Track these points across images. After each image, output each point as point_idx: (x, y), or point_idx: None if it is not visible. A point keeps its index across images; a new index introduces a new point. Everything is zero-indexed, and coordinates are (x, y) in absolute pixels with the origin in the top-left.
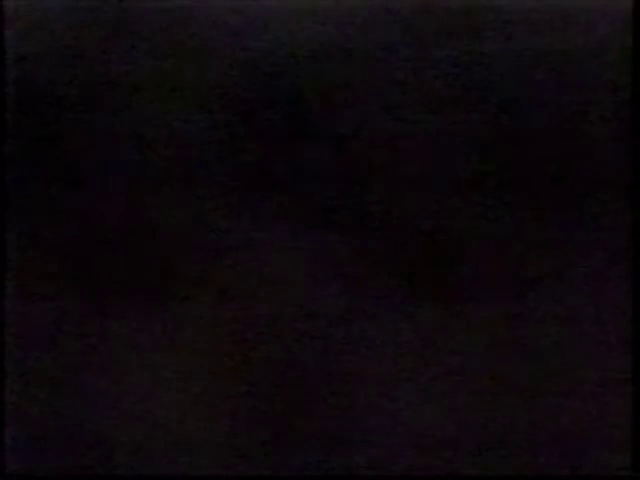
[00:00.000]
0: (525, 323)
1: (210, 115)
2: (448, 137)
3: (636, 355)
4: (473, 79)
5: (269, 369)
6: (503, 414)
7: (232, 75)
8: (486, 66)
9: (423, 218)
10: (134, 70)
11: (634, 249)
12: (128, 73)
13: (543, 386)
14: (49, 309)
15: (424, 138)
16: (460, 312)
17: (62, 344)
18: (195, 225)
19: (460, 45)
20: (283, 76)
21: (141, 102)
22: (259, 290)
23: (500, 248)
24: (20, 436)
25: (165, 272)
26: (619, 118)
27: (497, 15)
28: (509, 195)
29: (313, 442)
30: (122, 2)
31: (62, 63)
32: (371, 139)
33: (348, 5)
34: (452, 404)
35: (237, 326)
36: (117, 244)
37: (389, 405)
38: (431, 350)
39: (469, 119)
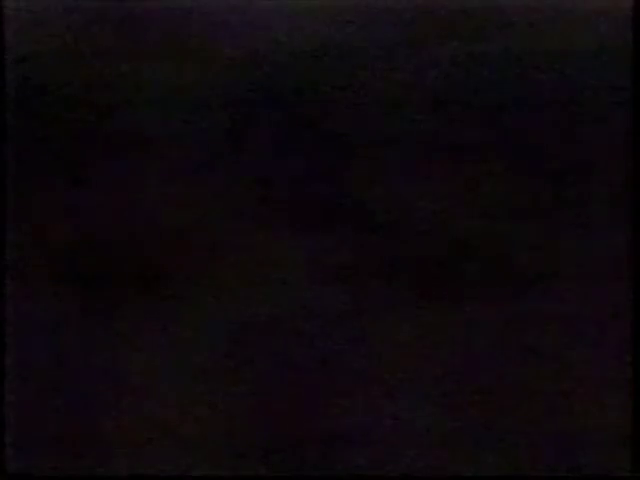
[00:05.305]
0: (525, 323)
1: (210, 115)
2: (448, 137)
3: (636, 355)
4: (473, 79)
5: (269, 369)
6: (503, 414)
7: (232, 75)
8: (486, 66)
9: (423, 218)
10: (134, 70)
11: (634, 249)
12: (128, 73)
13: (543, 386)
14: (49, 309)
15: (424, 138)
16: (460, 312)
17: (62, 344)
18: (195, 225)
19: (460, 45)
20: (283, 76)
21: (141, 102)
22: (259, 290)
23: (500, 248)
24: (20, 436)
25: (165, 272)
26: (619, 118)
27: (497, 15)
28: (509, 195)
29: (313, 442)
30: (123, 2)
31: (62, 63)
32: (371, 139)
33: (348, 5)
34: (452, 404)
35: (237, 326)
36: (117, 244)
37: (389, 405)
38: (431, 350)
39: (469, 119)
